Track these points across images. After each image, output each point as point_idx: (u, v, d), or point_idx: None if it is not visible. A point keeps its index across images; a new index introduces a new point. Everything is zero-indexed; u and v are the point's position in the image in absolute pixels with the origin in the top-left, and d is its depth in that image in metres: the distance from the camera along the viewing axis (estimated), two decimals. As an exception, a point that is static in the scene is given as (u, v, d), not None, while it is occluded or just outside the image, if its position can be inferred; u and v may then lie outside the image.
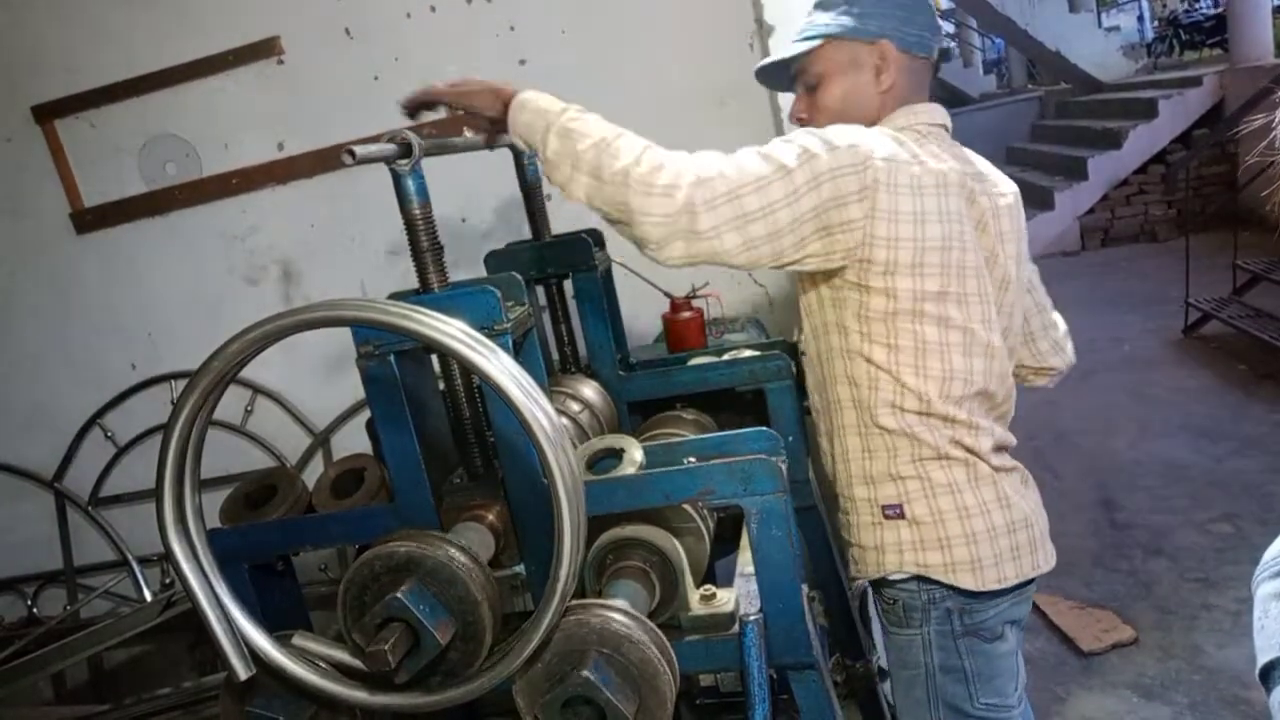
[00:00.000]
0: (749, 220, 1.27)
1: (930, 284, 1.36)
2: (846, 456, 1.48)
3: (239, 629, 1.08)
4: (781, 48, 1.53)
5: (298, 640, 1.12)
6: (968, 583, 1.41)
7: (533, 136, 1.34)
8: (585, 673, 1.07)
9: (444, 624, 1.07)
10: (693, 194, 1.25)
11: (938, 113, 1.50)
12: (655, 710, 1.11)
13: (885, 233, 1.33)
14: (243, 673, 1.07)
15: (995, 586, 1.42)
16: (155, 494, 1.04)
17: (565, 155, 1.30)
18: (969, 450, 1.43)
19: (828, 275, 1.41)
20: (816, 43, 1.47)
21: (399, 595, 1.06)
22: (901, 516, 1.43)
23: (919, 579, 1.44)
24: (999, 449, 1.49)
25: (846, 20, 1.44)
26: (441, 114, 1.64)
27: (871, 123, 1.44)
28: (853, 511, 1.50)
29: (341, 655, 1.13)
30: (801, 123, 1.49)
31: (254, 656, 1.11)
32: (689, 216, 1.25)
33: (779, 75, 1.56)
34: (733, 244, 1.28)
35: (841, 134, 1.34)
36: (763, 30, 2.37)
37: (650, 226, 1.27)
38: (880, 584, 1.50)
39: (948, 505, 1.42)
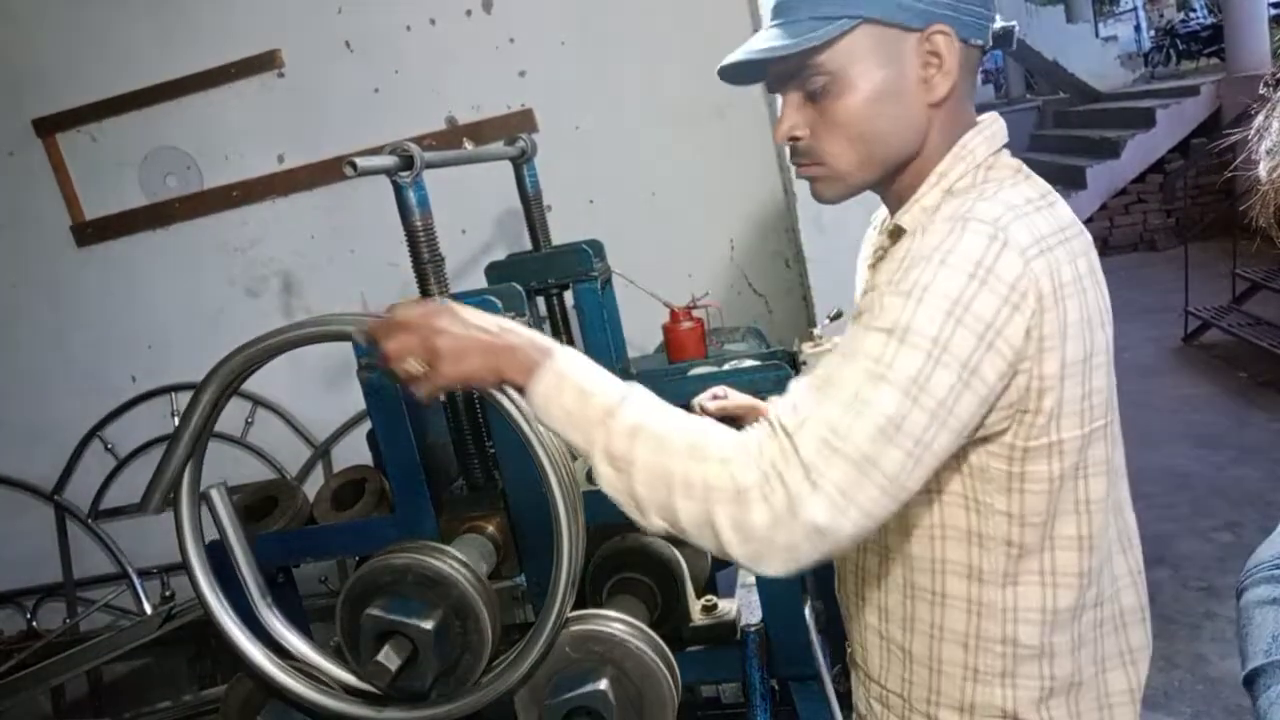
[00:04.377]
0: (901, 483, 0.84)
1: (1098, 415, 0.94)
2: (938, 667, 1.03)
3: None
4: (769, 30, 0.98)
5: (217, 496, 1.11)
6: None
7: (574, 448, 0.95)
8: (587, 683, 1.07)
9: (443, 642, 1.07)
10: (803, 498, 0.82)
11: (998, 130, 1.01)
12: (657, 721, 1.10)
13: (1054, 367, 0.89)
14: (152, 507, 1.06)
15: None
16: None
17: (625, 494, 0.91)
18: (1122, 656, 1.03)
19: None
20: (843, 27, 0.92)
21: (403, 610, 1.05)
22: None
23: None
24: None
25: None
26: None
27: (913, 152, 0.98)
28: None
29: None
30: (794, 143, 1.00)
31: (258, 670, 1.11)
32: (813, 532, 0.82)
33: (749, 69, 1.03)
34: (887, 514, 0.85)
35: (949, 260, 0.85)
36: (761, 41, 2.38)
37: (744, 545, 0.85)
38: None
39: None
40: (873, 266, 1.09)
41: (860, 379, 0.84)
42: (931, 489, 0.97)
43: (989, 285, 0.84)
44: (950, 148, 0.98)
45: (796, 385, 0.92)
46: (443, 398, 1.39)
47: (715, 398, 1.30)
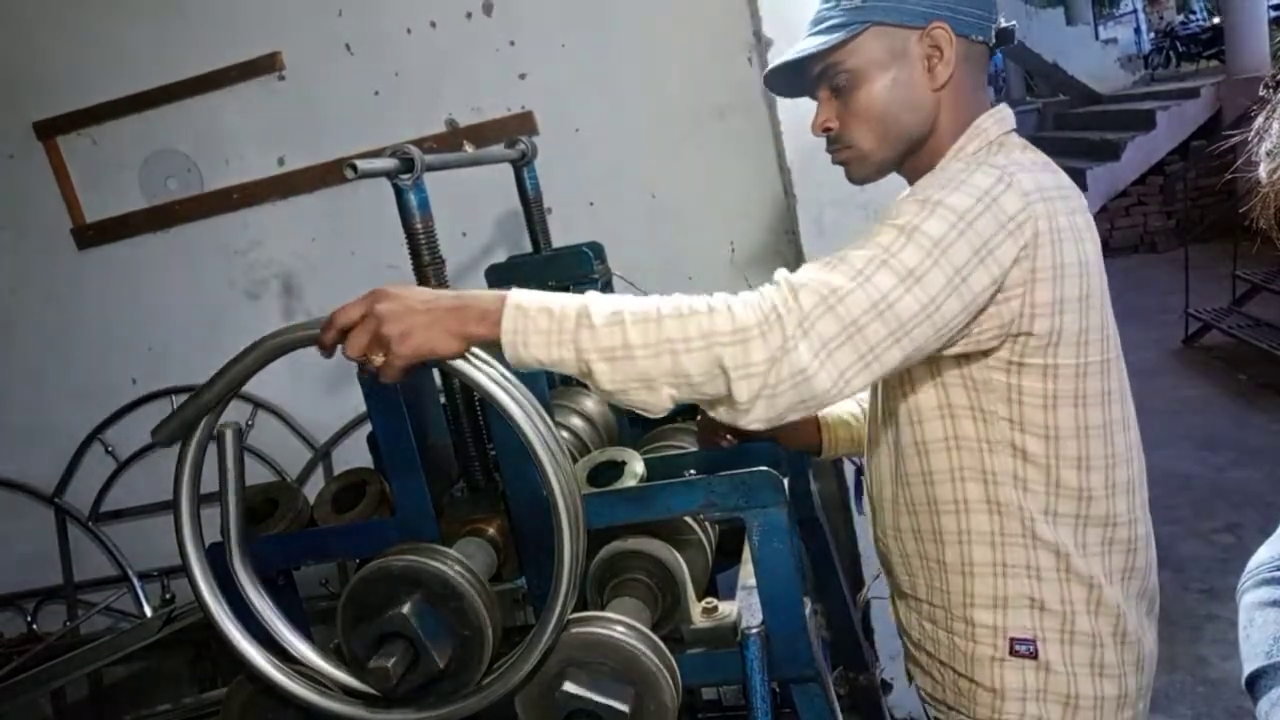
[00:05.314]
0: (878, 355, 0.96)
1: (1093, 351, 1.09)
2: (969, 570, 1.18)
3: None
4: (803, 41, 1.18)
5: (230, 434, 1.11)
6: None
7: (563, 366, 0.98)
8: (587, 686, 1.07)
9: (444, 645, 1.07)
10: (796, 341, 0.92)
11: (1007, 115, 1.20)
12: (658, 724, 1.10)
13: (1049, 296, 1.04)
14: (163, 437, 1.08)
15: None
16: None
17: (631, 379, 0.96)
18: (1125, 573, 1.18)
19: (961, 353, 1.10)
20: (856, 30, 1.12)
21: (405, 614, 1.05)
22: (1033, 656, 1.16)
23: None
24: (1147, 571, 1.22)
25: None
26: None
27: (925, 130, 1.17)
28: (966, 637, 1.20)
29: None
30: (827, 133, 1.20)
31: (257, 675, 1.11)
32: (797, 374, 0.92)
33: (792, 80, 1.23)
34: (860, 385, 0.97)
35: (962, 187, 1.02)
36: (761, 44, 2.38)
37: (747, 382, 0.93)
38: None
39: (1082, 658, 1.16)
40: None
41: (866, 260, 0.97)
42: (942, 405, 1.14)
43: (991, 211, 0.99)
44: (961, 128, 1.17)
45: (809, 263, 1.01)
46: (443, 400, 1.39)
47: None
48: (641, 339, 0.94)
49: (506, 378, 1.02)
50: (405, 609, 1.05)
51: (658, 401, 0.97)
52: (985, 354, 1.08)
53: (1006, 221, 1.00)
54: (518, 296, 0.97)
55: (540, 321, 0.95)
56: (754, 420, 0.96)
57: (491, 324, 0.96)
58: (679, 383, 0.95)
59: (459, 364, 1.00)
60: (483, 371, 1.00)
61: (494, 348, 0.98)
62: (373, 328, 0.97)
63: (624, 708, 1.07)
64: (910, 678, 1.37)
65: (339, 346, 1.01)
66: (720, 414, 0.98)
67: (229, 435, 1.10)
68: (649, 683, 1.10)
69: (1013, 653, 1.17)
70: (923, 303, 0.96)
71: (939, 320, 0.98)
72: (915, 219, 0.99)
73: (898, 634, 1.39)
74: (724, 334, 0.93)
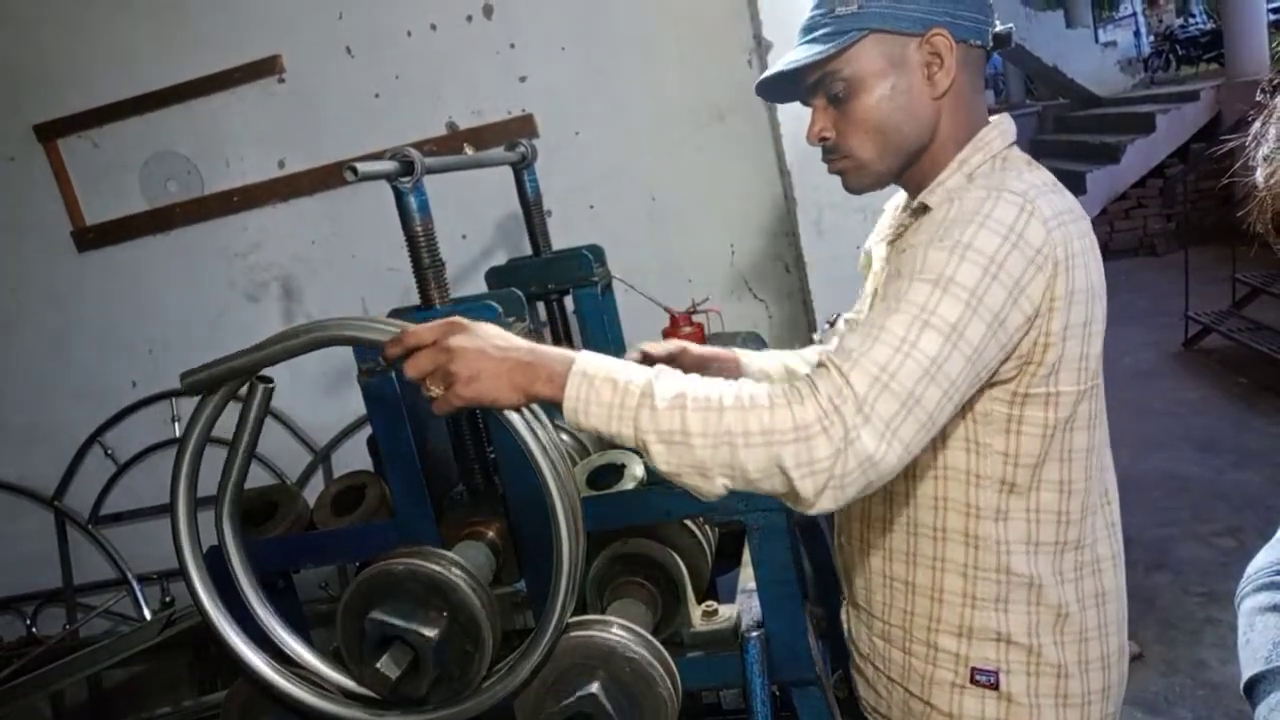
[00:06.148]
0: (935, 418, 0.95)
1: (1088, 377, 1.08)
2: (939, 595, 1.16)
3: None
4: (797, 49, 1.13)
5: (262, 389, 1.10)
6: None
7: (620, 440, 0.98)
8: (587, 689, 1.07)
9: (446, 661, 1.07)
10: (858, 430, 0.91)
11: (1009, 128, 1.16)
12: (657, 727, 1.10)
13: (1060, 324, 1.02)
14: (186, 384, 1.07)
15: None
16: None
17: (686, 465, 0.95)
18: (1097, 598, 1.16)
19: None
20: (853, 38, 1.07)
21: (429, 636, 1.05)
22: (994, 687, 1.14)
23: None
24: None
25: (884, 6, 1.07)
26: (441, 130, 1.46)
27: (926, 139, 1.13)
28: (926, 660, 1.18)
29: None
30: (824, 143, 1.15)
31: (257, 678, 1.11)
32: (864, 461, 0.91)
33: (785, 86, 1.18)
34: (920, 448, 0.96)
35: (987, 223, 0.98)
36: (761, 46, 2.38)
37: (811, 479, 0.91)
38: None
39: (1048, 689, 1.14)
40: (892, 243, 1.21)
41: (907, 324, 0.95)
42: (936, 434, 1.06)
43: (1019, 248, 0.97)
44: (962, 135, 1.13)
45: (848, 335, 1.00)
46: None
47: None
48: (700, 427, 0.93)
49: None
50: (432, 633, 1.05)
51: (711, 489, 0.95)
52: (992, 385, 1.06)
53: (1034, 256, 0.98)
54: (584, 363, 0.96)
55: (604, 393, 0.95)
56: (820, 510, 0.94)
57: (557, 387, 0.96)
58: (734, 475, 0.94)
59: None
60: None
61: (555, 408, 0.97)
62: (441, 360, 0.95)
63: (592, 689, 1.07)
64: (854, 685, 1.34)
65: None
66: (786, 504, 0.97)
67: (260, 390, 1.09)
68: (648, 687, 1.10)
69: (973, 681, 1.15)
70: (967, 355, 0.95)
71: (979, 366, 0.97)
72: (946, 269, 0.96)
73: (845, 640, 1.36)
74: (785, 431, 0.91)
